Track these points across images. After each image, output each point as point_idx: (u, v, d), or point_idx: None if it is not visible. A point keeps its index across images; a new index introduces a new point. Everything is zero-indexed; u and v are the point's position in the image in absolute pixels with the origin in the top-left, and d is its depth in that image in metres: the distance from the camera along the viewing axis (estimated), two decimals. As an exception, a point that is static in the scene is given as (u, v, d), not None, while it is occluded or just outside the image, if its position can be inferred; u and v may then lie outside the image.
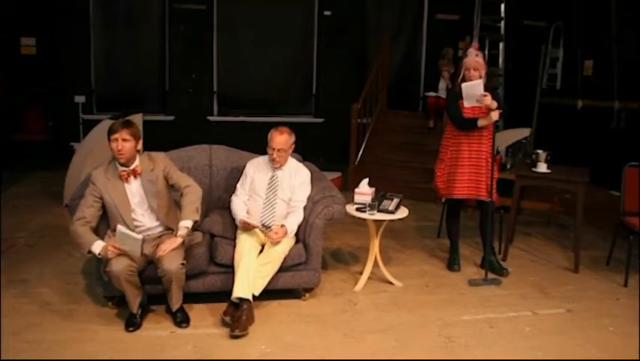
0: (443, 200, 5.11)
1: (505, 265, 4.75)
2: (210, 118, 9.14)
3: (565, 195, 6.14)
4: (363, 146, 7.99)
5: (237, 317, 3.50)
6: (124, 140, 3.45)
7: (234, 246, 3.78)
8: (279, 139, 3.91)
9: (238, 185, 4.10)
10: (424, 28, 9.69)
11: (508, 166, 5.84)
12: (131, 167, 3.54)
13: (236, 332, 3.44)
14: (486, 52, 8.83)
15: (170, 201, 3.70)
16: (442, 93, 8.13)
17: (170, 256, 3.41)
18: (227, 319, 3.56)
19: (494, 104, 4.27)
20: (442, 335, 3.59)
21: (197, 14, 8.83)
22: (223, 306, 3.62)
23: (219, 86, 9.21)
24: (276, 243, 3.75)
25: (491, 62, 8.68)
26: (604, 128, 7.64)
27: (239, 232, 3.89)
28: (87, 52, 8.68)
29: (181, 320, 3.58)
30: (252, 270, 3.64)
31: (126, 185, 3.54)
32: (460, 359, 3.30)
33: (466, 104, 4.36)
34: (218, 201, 4.27)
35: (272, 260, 3.72)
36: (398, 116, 8.78)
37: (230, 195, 4.10)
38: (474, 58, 4.40)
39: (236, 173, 4.20)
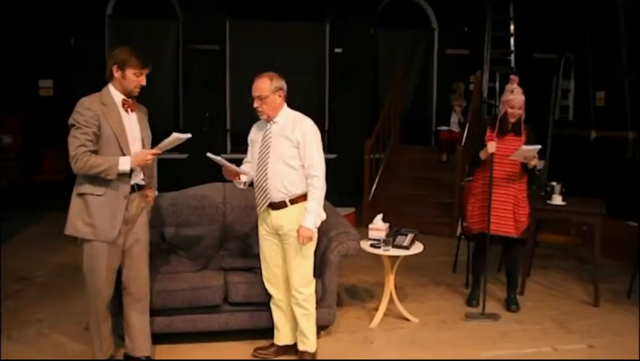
0: (459, 235, 5.05)
1: (522, 300, 4.70)
2: (224, 156, 9.17)
3: (582, 227, 6.07)
4: (376, 181, 8.01)
5: None
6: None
7: (247, 283, 3.73)
8: (257, 84, 3.34)
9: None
10: (435, 64, 9.78)
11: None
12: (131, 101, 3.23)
13: None
14: (497, 85, 8.90)
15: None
16: (454, 127, 8.22)
17: (145, 255, 3.21)
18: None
19: (538, 164, 4.37)
20: (461, 373, 3.54)
21: (210, 54, 8.99)
22: (236, 345, 3.58)
23: (232, 124, 9.32)
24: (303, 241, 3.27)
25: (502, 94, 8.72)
26: (618, 159, 7.59)
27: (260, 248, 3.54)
28: (103, 93, 8.81)
29: None
30: (286, 306, 3.53)
31: (124, 115, 3.21)
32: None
33: (512, 157, 4.26)
34: (235, 240, 4.21)
35: (303, 307, 3.45)
36: (411, 150, 8.81)
37: (245, 234, 4.08)
38: (520, 97, 4.44)
39: (251, 211, 4.16)
